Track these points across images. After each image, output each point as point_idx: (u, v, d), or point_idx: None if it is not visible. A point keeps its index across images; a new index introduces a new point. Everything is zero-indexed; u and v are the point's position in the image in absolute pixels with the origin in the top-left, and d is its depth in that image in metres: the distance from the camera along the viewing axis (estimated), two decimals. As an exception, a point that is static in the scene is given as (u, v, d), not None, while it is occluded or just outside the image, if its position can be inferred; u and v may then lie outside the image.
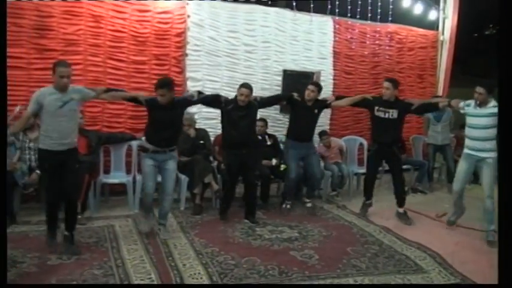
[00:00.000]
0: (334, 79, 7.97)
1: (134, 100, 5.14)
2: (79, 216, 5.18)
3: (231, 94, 6.83)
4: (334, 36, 7.98)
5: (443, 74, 9.11)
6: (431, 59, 9.09)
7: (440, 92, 8.89)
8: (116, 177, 6.15)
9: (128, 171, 6.26)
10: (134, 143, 6.22)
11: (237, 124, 5.54)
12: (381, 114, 5.92)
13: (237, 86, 6.90)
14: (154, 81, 6.41)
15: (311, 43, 7.80)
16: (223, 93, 6.85)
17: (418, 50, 8.93)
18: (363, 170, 7.34)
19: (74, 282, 3.83)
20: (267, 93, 6.95)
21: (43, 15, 5.91)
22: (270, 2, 7.53)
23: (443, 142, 7.76)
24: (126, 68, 6.48)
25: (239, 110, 5.54)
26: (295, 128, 6.23)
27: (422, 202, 6.94)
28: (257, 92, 7.07)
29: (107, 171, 6.19)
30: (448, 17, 9.00)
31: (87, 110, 6.14)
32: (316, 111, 6.19)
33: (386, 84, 5.98)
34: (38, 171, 5.21)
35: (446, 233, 5.62)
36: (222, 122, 5.72)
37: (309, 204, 6.32)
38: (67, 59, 5.85)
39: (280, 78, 7.39)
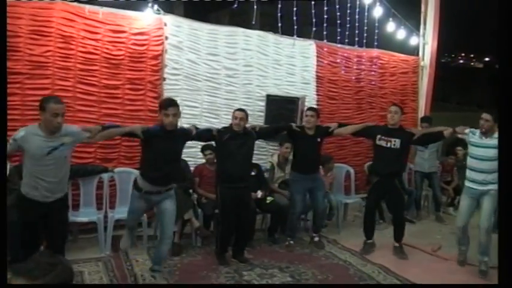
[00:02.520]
0: (317, 104, 7.36)
1: (131, 134, 4.29)
2: None
3: (211, 120, 6.24)
4: (317, 61, 7.43)
5: (424, 99, 8.67)
6: (412, 84, 8.65)
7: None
8: (86, 214, 5.29)
9: (99, 207, 5.41)
10: (105, 176, 5.42)
11: (234, 155, 4.86)
12: (383, 143, 5.37)
13: (218, 112, 6.42)
14: (129, 107, 5.84)
15: (294, 67, 7.22)
16: (203, 119, 6.28)
17: (399, 75, 8.48)
18: (350, 200, 6.82)
19: None
20: (249, 120, 6.28)
21: (8, 35, 5.04)
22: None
23: (430, 170, 7.27)
24: (98, 93, 5.69)
25: (236, 139, 4.89)
26: (299, 160, 5.66)
27: (413, 233, 6.33)
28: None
29: (75, 207, 5.31)
30: (428, 43, 8.60)
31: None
32: (318, 139, 5.63)
33: (394, 108, 5.45)
34: None
35: (446, 270, 5.03)
36: (218, 154, 5.09)
37: (316, 238, 5.74)
38: (34, 83, 5.26)
39: (263, 103, 6.73)
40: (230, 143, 4.87)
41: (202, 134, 4.83)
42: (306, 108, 6.78)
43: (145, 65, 5.97)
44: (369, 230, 5.62)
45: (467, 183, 4.95)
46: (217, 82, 6.52)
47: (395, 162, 5.38)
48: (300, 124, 5.96)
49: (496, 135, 4.64)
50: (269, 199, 5.74)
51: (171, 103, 4.14)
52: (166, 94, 6.08)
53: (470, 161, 4.89)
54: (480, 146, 4.77)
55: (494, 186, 4.59)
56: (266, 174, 6.15)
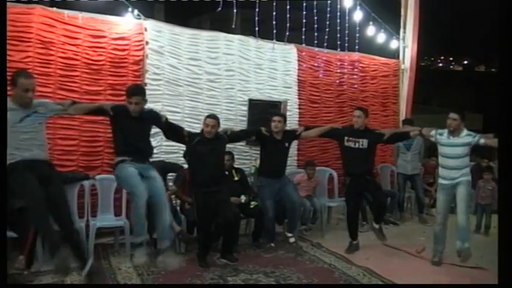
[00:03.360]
0: (299, 108, 7.41)
1: (100, 111, 4.37)
2: (25, 272, 4.29)
3: (193, 126, 6.22)
4: (299, 65, 7.45)
5: (405, 102, 8.74)
6: (393, 87, 8.71)
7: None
8: (67, 222, 5.18)
9: (81, 215, 5.31)
10: (87, 183, 5.34)
11: (203, 160, 4.88)
12: (351, 145, 5.50)
13: (201, 117, 6.33)
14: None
15: (276, 71, 7.23)
16: (185, 124, 6.19)
17: (380, 79, 8.53)
18: (334, 203, 6.85)
19: None
20: (231, 124, 6.34)
21: (-16, 41, 5.00)
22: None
23: (413, 171, 7.34)
24: (79, 98, 5.50)
25: (206, 144, 4.90)
26: (267, 165, 5.71)
27: (397, 235, 6.37)
28: (223, 124, 6.46)
29: (56, 215, 5.21)
30: (408, 46, 8.68)
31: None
32: (286, 144, 5.71)
33: (357, 112, 5.58)
34: None
35: (431, 272, 5.04)
36: (187, 158, 5.09)
37: (291, 239, 5.79)
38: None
39: (245, 108, 6.74)
40: (200, 148, 4.89)
41: (173, 128, 4.90)
42: (287, 112, 6.87)
43: (126, 70, 5.94)
44: (354, 230, 5.68)
45: (440, 181, 5.17)
46: (198, 87, 6.50)
47: (365, 162, 5.53)
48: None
49: (463, 133, 4.93)
50: (253, 204, 5.71)
51: (134, 92, 4.22)
52: (148, 100, 5.97)
53: (441, 160, 5.12)
54: (448, 145, 5.00)
55: (466, 177, 4.94)
56: (250, 179, 6.13)
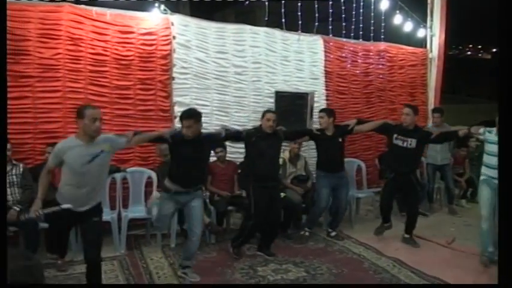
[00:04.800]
0: (326, 99, 7.36)
1: (160, 139, 4.47)
2: (59, 262, 4.42)
3: (222, 119, 6.25)
4: (325, 56, 7.40)
5: (433, 92, 8.62)
6: (421, 76, 8.60)
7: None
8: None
9: (112, 207, 5.43)
10: (118, 176, 5.44)
11: (264, 155, 4.93)
12: (399, 143, 5.43)
13: (228, 110, 6.44)
14: (140, 108, 5.87)
15: (302, 63, 7.20)
16: (213, 118, 6.30)
17: (408, 68, 8.42)
18: (362, 194, 6.82)
19: None
20: (258, 116, 6.29)
21: (17, 39, 5.12)
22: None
23: (442, 162, 7.21)
24: (109, 93, 5.72)
25: (265, 139, 4.95)
26: (323, 160, 5.72)
27: (427, 226, 6.29)
28: (250, 116, 6.54)
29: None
30: (435, 35, 8.54)
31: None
32: (339, 139, 5.67)
33: (406, 110, 5.49)
34: (16, 208, 4.50)
35: (461, 262, 4.98)
36: (248, 154, 5.10)
37: (333, 234, 5.83)
38: (44, 86, 5.30)
39: (272, 100, 6.71)
40: (260, 143, 4.92)
41: (232, 137, 5.00)
42: (315, 103, 6.85)
43: (154, 65, 5.99)
44: (385, 217, 5.71)
45: (484, 177, 4.87)
46: (226, 80, 6.53)
47: (411, 161, 5.49)
48: (311, 121, 5.97)
49: None
50: (282, 195, 5.72)
51: (186, 116, 4.24)
52: (176, 93, 6.12)
53: (486, 158, 4.85)
54: (497, 144, 4.72)
55: None
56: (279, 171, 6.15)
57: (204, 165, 4.59)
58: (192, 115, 4.24)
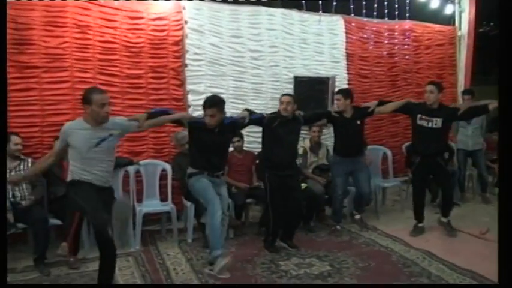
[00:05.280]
0: (348, 84, 7.23)
1: (178, 122, 4.44)
2: (71, 259, 4.43)
3: (238, 106, 6.19)
4: (347, 37, 7.28)
5: (463, 73, 8.41)
6: (450, 56, 8.39)
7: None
8: (113, 209, 5.31)
9: (127, 202, 5.43)
10: (131, 169, 5.41)
11: (283, 142, 4.88)
12: (424, 123, 5.28)
13: (245, 97, 6.39)
14: (153, 97, 5.83)
15: (322, 45, 7.08)
16: (229, 105, 6.12)
17: (435, 48, 8.22)
18: (389, 184, 6.70)
19: None
20: (277, 103, 6.21)
21: (21, 28, 5.10)
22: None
23: (474, 147, 7.03)
24: (120, 83, 5.69)
25: (284, 125, 4.89)
26: (340, 144, 5.62)
27: (458, 216, 6.12)
28: (268, 103, 6.46)
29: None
30: (464, 11, 8.31)
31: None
32: (358, 122, 5.55)
33: (429, 87, 5.32)
34: (23, 203, 4.53)
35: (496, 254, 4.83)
36: (265, 140, 5.04)
37: (357, 216, 5.82)
38: (51, 77, 5.28)
39: (291, 85, 6.63)
40: (279, 129, 4.86)
41: (254, 122, 4.91)
42: (336, 88, 6.73)
43: (166, 52, 5.95)
44: (419, 212, 5.58)
45: None
46: (242, 66, 6.46)
47: (437, 142, 5.31)
48: (332, 107, 5.88)
49: None
50: (303, 186, 5.64)
51: (210, 104, 4.23)
52: (190, 81, 6.07)
53: None
54: None
55: None
56: (299, 160, 6.06)
57: (224, 153, 4.60)
58: (215, 103, 4.21)
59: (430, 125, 5.25)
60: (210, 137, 4.23)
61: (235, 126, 4.67)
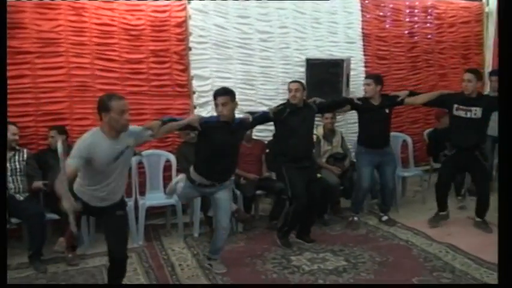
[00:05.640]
0: (365, 66, 7.20)
1: (188, 128, 4.37)
2: (69, 255, 4.49)
3: (247, 92, 6.20)
4: (363, 16, 7.22)
5: (491, 52, 8.29)
6: (476, 35, 8.28)
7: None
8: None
9: (128, 195, 5.41)
10: (133, 160, 5.40)
11: (296, 132, 4.87)
12: (461, 114, 5.25)
13: (254, 82, 6.39)
14: (155, 83, 5.84)
15: (336, 25, 7.02)
16: (237, 91, 6.04)
17: (460, 26, 8.12)
18: (409, 173, 6.69)
19: None
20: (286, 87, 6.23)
21: (11, 11, 5.07)
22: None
23: (503, 133, 6.93)
24: (120, 69, 5.71)
25: (296, 114, 4.88)
26: (366, 134, 5.61)
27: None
28: (279, 88, 6.50)
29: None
30: (492, -17, 8.20)
31: (75, 123, 5.45)
32: (386, 110, 5.54)
33: (468, 76, 5.26)
34: (19, 196, 4.62)
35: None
36: (278, 133, 5.07)
37: (384, 218, 5.75)
38: (45, 63, 5.30)
39: (303, 69, 6.59)
40: (291, 119, 4.86)
41: (259, 120, 4.87)
42: (351, 71, 6.70)
43: (168, 34, 5.95)
44: (442, 202, 5.57)
45: None
46: (250, 48, 6.44)
47: (476, 134, 5.26)
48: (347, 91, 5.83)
49: None
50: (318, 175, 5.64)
51: (221, 92, 4.19)
52: (194, 66, 6.08)
53: None
54: None
55: None
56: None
57: (236, 155, 4.48)
58: (228, 91, 4.20)
59: (468, 115, 5.21)
60: (223, 137, 4.15)
61: (243, 126, 4.55)
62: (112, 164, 3.39)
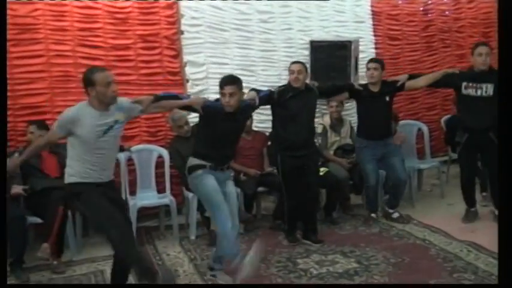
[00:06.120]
0: (375, 48, 7.22)
1: (189, 108, 4.38)
2: (54, 262, 4.53)
3: (246, 79, 6.11)
4: (372, -8, 7.24)
5: (514, 29, 8.27)
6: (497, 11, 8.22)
7: None
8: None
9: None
10: (122, 156, 5.44)
11: (296, 117, 4.92)
12: (471, 92, 5.26)
13: (254, 68, 6.39)
14: (144, 71, 5.83)
15: (343, 3, 7.05)
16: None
17: (480, 1, 8.09)
18: (425, 165, 6.70)
19: None
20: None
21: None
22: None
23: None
24: (105, 56, 5.71)
25: (297, 98, 4.91)
26: (365, 124, 5.66)
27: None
28: (281, 74, 6.48)
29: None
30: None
31: (57, 116, 5.30)
32: (387, 98, 5.56)
33: (480, 49, 5.26)
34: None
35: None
36: (275, 118, 5.10)
37: (395, 215, 5.74)
38: (22, 51, 5.31)
39: (307, 52, 6.62)
40: (291, 103, 4.88)
41: (264, 101, 4.85)
42: (360, 54, 6.68)
43: (158, 17, 5.97)
44: (470, 197, 5.61)
45: None
46: (248, 30, 6.47)
47: (489, 113, 5.13)
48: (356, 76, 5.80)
49: None
50: (322, 170, 5.63)
51: (229, 80, 4.18)
52: (187, 51, 6.09)
53: None
54: None
55: None
56: (317, 140, 6.03)
57: (236, 142, 4.55)
58: (235, 80, 4.18)
59: (479, 93, 5.22)
60: (227, 124, 4.17)
61: (248, 110, 4.58)
62: (101, 137, 3.53)
